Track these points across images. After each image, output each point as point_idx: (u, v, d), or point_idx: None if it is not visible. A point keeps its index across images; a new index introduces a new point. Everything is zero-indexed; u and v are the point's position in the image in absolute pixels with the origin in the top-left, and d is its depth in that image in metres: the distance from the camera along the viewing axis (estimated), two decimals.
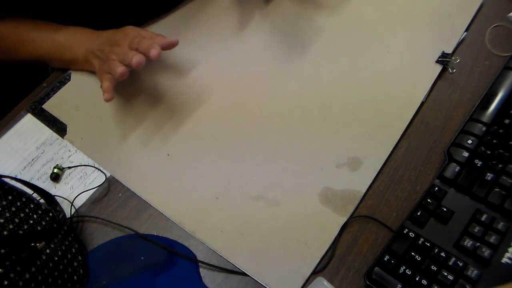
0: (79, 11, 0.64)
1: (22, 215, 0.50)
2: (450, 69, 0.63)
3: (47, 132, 0.61)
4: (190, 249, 0.53)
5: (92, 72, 0.64)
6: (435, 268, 0.47)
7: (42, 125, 0.62)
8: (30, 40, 0.61)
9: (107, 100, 0.56)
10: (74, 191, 0.57)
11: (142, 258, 0.52)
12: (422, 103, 0.60)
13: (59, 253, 0.49)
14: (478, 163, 0.53)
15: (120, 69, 0.54)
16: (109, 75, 0.57)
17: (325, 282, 0.47)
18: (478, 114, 0.57)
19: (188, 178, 0.57)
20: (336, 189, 0.55)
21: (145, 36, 0.58)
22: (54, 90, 0.65)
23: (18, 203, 0.51)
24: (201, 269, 0.52)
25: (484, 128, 0.56)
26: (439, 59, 0.63)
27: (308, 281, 0.50)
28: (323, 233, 0.52)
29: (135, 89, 0.64)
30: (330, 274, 0.50)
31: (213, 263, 0.52)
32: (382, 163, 0.56)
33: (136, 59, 0.53)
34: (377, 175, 0.56)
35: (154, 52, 0.53)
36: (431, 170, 0.56)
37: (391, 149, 0.57)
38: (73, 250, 0.51)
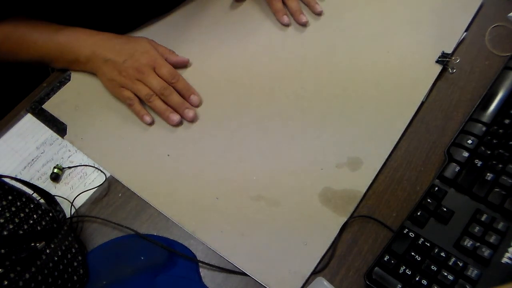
0: (79, 11, 0.64)
1: (22, 215, 0.50)
2: (450, 69, 0.63)
3: (47, 132, 0.61)
4: (190, 249, 0.53)
5: (93, 72, 0.64)
6: (435, 268, 0.47)
7: (42, 125, 0.62)
8: (31, 42, 0.61)
9: (150, 123, 0.60)
10: (74, 191, 0.57)
11: (142, 258, 0.52)
12: (422, 103, 0.60)
13: (59, 253, 0.49)
14: (478, 163, 0.53)
15: (175, 118, 0.60)
16: (135, 97, 0.60)
17: (325, 282, 0.47)
18: (478, 114, 0.57)
19: (188, 178, 0.57)
20: (336, 189, 0.55)
21: (162, 55, 0.62)
22: (54, 90, 0.65)
23: (18, 203, 0.51)
24: (201, 269, 0.52)
25: (484, 128, 0.56)
26: (439, 59, 0.63)
27: (308, 281, 0.50)
28: (323, 233, 0.52)
29: None
30: (330, 274, 0.50)
31: (213, 263, 0.52)
32: (382, 163, 0.56)
33: (191, 117, 0.60)
34: (377, 175, 0.56)
35: (191, 115, 0.60)
36: (431, 170, 0.56)
37: (391, 149, 0.57)
38: (73, 250, 0.51)
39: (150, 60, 0.61)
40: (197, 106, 0.62)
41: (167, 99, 0.60)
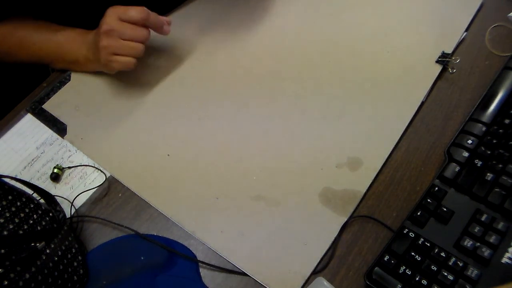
0: (79, 11, 0.64)
1: (22, 215, 0.50)
2: (450, 69, 0.63)
3: (47, 132, 0.61)
4: (190, 249, 0.53)
5: (92, 72, 0.64)
6: (435, 268, 0.47)
7: (42, 125, 0.62)
8: (31, 43, 0.61)
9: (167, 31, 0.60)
10: (74, 191, 0.57)
11: (142, 258, 0.52)
12: (422, 103, 0.60)
13: (59, 253, 0.49)
14: (478, 163, 0.53)
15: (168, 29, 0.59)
16: (120, 57, 0.57)
17: (325, 282, 0.47)
18: (478, 114, 0.57)
19: (188, 178, 0.57)
20: (336, 189, 0.55)
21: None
22: (54, 90, 0.65)
23: (18, 203, 0.51)
24: (201, 269, 0.52)
25: (484, 128, 0.56)
26: (439, 59, 0.63)
27: (308, 281, 0.50)
28: (323, 233, 0.52)
29: (135, 89, 0.64)
30: (330, 274, 0.50)
31: (213, 263, 0.52)
32: (382, 163, 0.56)
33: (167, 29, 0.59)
34: (377, 175, 0.56)
35: (166, 29, 0.59)
36: (431, 170, 0.56)
37: (391, 149, 0.57)
38: (73, 250, 0.51)
39: (112, 17, 0.57)
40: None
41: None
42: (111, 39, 0.57)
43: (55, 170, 0.57)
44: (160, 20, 0.59)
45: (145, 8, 0.57)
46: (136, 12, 0.57)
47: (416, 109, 0.60)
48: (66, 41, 0.62)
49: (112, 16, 0.56)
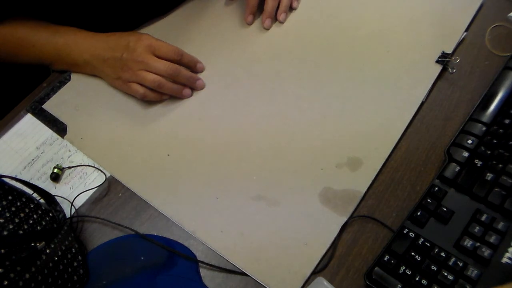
0: (79, 12, 0.64)
1: (22, 215, 0.50)
2: (450, 69, 0.63)
3: (47, 132, 0.61)
4: (190, 249, 0.53)
5: (94, 74, 0.64)
6: (435, 268, 0.47)
7: (42, 125, 0.62)
8: (30, 45, 0.61)
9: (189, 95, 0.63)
10: (74, 191, 0.57)
11: (142, 258, 0.52)
12: (422, 103, 0.60)
13: (59, 253, 0.49)
14: (478, 163, 0.53)
15: (189, 93, 0.62)
16: (145, 88, 0.60)
17: (325, 282, 0.47)
18: (478, 114, 0.57)
19: (188, 178, 0.57)
20: (336, 189, 0.55)
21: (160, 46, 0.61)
22: (54, 90, 0.65)
23: (18, 203, 0.51)
24: (201, 269, 0.52)
25: (484, 128, 0.56)
26: (439, 59, 0.63)
27: (308, 281, 0.50)
28: (323, 233, 0.52)
29: None
30: (330, 274, 0.50)
31: (213, 263, 0.52)
32: (382, 163, 0.56)
33: (202, 85, 0.63)
34: (377, 175, 0.56)
35: (202, 84, 0.63)
36: (431, 170, 0.56)
37: (391, 149, 0.57)
38: (73, 250, 0.51)
39: (146, 45, 0.59)
40: (203, 71, 0.65)
41: (177, 79, 0.61)
42: (135, 68, 0.59)
43: (55, 170, 0.57)
44: (194, 60, 0.63)
45: (178, 49, 0.61)
46: (171, 53, 0.60)
47: (416, 109, 0.60)
48: (65, 44, 0.61)
49: (149, 51, 0.59)
